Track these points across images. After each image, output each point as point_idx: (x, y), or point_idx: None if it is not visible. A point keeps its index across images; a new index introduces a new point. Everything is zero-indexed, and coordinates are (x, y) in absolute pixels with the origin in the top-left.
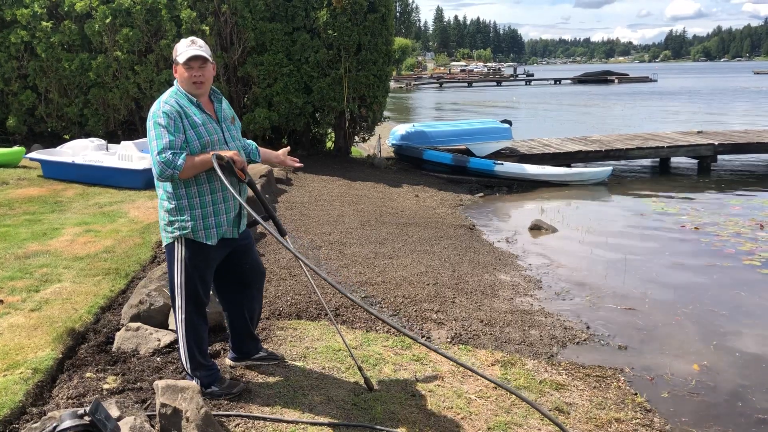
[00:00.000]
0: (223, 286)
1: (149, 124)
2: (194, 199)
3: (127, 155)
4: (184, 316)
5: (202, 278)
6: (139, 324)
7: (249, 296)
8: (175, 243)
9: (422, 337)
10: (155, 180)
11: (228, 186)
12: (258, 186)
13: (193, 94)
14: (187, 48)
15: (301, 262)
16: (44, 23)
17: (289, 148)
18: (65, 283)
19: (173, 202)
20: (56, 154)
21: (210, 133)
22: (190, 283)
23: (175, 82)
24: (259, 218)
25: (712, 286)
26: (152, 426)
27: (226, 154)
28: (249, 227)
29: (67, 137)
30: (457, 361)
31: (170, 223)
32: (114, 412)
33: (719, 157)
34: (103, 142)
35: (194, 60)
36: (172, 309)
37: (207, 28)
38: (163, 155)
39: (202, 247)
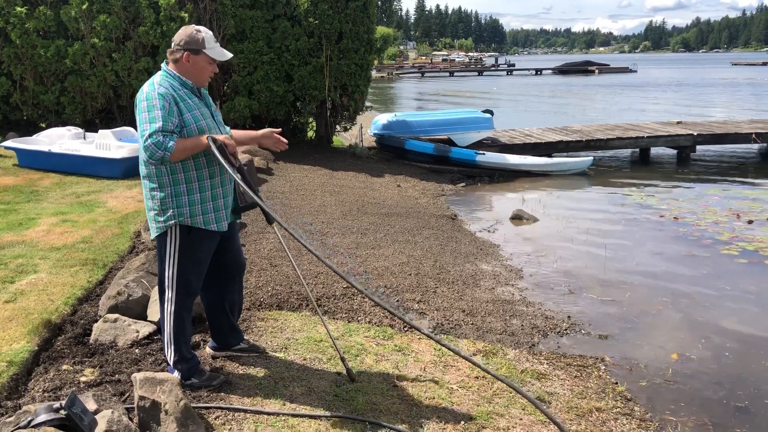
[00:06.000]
0: (205, 277)
1: (142, 105)
2: (193, 184)
3: (105, 144)
4: (173, 307)
5: (196, 268)
6: (117, 315)
7: (230, 287)
8: (168, 233)
9: (404, 326)
10: (143, 167)
11: (227, 167)
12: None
13: (197, 84)
14: (216, 44)
15: (300, 243)
16: (18, 8)
17: (279, 130)
18: (41, 274)
19: (168, 189)
20: (32, 142)
21: (205, 116)
22: (183, 274)
23: (164, 65)
24: (256, 198)
25: (691, 276)
26: (130, 419)
27: (219, 138)
28: (242, 211)
29: (43, 125)
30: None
31: (163, 212)
32: (91, 406)
33: (698, 147)
34: (80, 130)
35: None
36: (159, 300)
37: (186, 15)
38: (154, 137)
39: (199, 235)
